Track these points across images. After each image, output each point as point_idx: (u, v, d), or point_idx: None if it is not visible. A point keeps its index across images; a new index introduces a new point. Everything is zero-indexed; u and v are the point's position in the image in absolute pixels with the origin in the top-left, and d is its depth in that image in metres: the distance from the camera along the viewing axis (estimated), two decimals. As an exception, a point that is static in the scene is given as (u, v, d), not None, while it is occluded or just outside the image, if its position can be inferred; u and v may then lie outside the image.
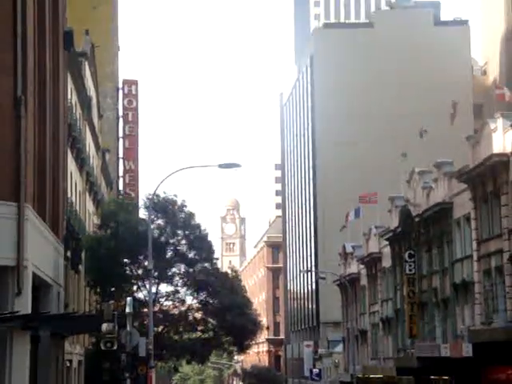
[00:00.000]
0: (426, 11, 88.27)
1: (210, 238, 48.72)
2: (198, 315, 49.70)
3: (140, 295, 47.31)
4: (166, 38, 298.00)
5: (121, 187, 70.17)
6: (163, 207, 47.17)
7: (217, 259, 49.91)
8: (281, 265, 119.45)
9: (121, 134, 69.51)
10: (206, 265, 47.89)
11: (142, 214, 49.00)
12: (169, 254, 47.26)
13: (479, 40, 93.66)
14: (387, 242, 53.01)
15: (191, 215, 47.85)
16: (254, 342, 57.66)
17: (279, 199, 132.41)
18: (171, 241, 47.31)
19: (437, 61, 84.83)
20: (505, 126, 35.44)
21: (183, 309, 48.99)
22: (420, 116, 78.91)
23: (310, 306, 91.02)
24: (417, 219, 46.11)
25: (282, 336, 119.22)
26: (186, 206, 47.95)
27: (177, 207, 47.74)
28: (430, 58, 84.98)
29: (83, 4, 59.92)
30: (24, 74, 22.53)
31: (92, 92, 50.13)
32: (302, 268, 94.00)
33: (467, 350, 36.18)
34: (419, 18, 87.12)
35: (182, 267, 47.76)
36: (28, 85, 23.04)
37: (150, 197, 44.79)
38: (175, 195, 47.92)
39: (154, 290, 43.31)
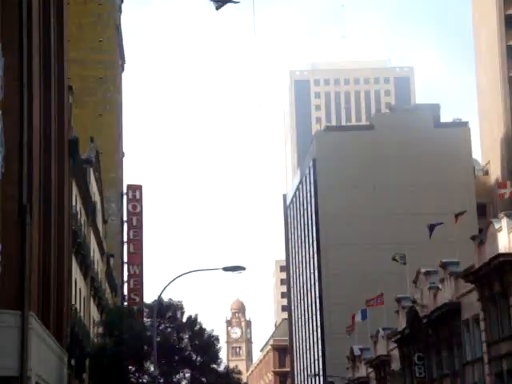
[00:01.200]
0: (425, 113, 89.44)
1: (216, 342, 48.16)
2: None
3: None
4: (170, 141, 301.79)
5: (125, 292, 69.74)
6: (168, 313, 46.73)
7: (225, 367, 49.22)
8: (288, 369, 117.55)
9: (125, 238, 69.54)
10: (213, 366, 47.24)
11: (147, 319, 48.51)
12: (175, 359, 46.60)
13: (479, 140, 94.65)
14: (395, 344, 52.27)
15: (197, 321, 47.39)
16: None
17: (285, 301, 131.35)
18: (177, 346, 46.73)
19: (438, 161, 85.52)
20: (509, 226, 35.42)
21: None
22: (423, 216, 78.89)
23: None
24: (425, 320, 45.58)
25: None
26: (186, 311, 47.55)
27: (182, 312, 47.32)
28: (431, 158, 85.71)
29: (89, 111, 60.93)
30: (30, 183, 22.70)
31: (97, 198, 50.42)
32: (309, 372, 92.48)
33: None
34: (419, 120, 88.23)
35: (189, 372, 47.03)
36: (33, 193, 23.18)
37: (155, 302, 44.41)
38: (179, 301, 47.57)
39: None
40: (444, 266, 43.90)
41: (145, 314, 49.36)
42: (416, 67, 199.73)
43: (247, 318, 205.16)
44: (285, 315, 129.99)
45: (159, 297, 41.01)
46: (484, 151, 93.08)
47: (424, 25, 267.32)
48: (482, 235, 38.83)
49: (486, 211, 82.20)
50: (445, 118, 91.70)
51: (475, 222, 78.23)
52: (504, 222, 35.88)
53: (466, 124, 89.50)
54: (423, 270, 47.21)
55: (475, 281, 38.64)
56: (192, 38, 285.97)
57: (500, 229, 36.09)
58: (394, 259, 51.21)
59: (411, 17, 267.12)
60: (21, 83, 22.63)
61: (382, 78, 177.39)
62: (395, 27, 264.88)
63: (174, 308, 47.28)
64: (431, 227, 48.20)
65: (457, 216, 43.65)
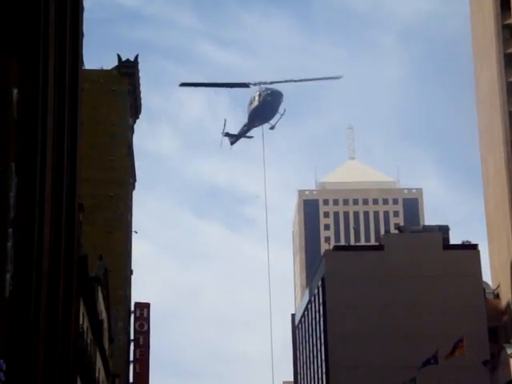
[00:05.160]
0: (434, 235, 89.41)
1: None
2: None
3: None
4: (178, 257, 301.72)
5: (131, 415, 68.22)
6: None
7: None
8: None
9: (131, 358, 68.56)
10: None
11: None
12: None
13: (489, 263, 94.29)
14: None
15: None
16: None
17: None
18: None
19: (448, 283, 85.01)
20: (522, 352, 34.89)
21: None
22: (433, 338, 77.93)
23: None
24: None
25: None
26: None
27: None
28: (440, 280, 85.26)
29: (98, 229, 61.15)
30: (37, 301, 22.63)
31: (104, 316, 50.05)
32: None
33: None
34: (428, 241, 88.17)
35: None
36: (41, 311, 23.10)
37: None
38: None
39: None
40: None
41: None
42: (424, 188, 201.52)
43: None
44: None
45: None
46: (494, 274, 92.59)
47: (432, 146, 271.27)
48: (494, 360, 38.21)
49: (497, 335, 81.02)
50: (454, 238, 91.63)
51: (486, 346, 77.00)
52: (516, 347, 35.38)
53: (475, 246, 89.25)
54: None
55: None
56: (195, 157, 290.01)
57: (512, 354, 35.55)
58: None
59: (419, 139, 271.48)
60: (33, 202, 22.87)
61: (390, 199, 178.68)
62: (403, 148, 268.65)
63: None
64: (425, 363, 47.98)
65: (458, 344, 43.28)
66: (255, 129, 78.37)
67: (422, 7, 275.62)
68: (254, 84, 74.48)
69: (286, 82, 76.39)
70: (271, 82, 74.93)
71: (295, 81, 78.53)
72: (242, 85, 75.28)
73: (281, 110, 76.13)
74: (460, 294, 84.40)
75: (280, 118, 76.54)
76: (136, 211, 78.46)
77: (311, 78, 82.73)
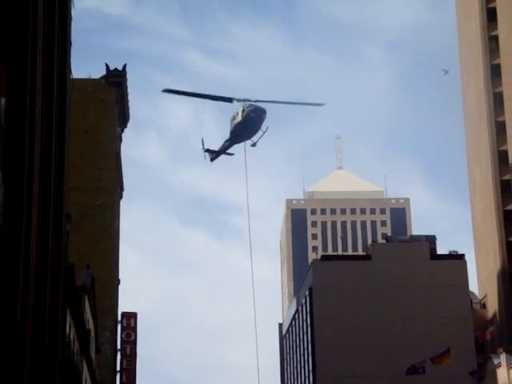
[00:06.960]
0: (421, 245, 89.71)
1: None
2: None
3: None
4: (165, 266, 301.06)
5: (117, 425, 67.93)
6: None
7: None
8: None
9: (118, 367, 68.31)
10: None
11: None
12: None
13: (476, 273, 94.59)
14: None
15: None
16: None
17: None
18: None
19: (434, 293, 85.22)
20: (508, 362, 34.97)
21: None
22: (420, 348, 78.05)
23: None
24: None
25: None
26: None
27: None
28: (427, 290, 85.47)
29: (86, 238, 61.00)
30: (23, 311, 22.51)
31: (91, 325, 49.85)
32: None
33: None
34: (415, 251, 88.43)
35: None
36: (27, 321, 22.98)
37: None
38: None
39: None
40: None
41: None
42: (412, 197, 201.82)
43: None
44: None
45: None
46: (481, 284, 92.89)
47: (420, 156, 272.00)
48: (481, 370, 38.31)
49: (484, 345, 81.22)
50: (441, 248, 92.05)
51: (473, 356, 77.14)
52: (503, 357, 35.47)
53: (462, 256, 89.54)
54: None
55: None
56: (180, 166, 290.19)
57: (499, 364, 35.64)
58: None
59: (406, 149, 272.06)
60: (20, 211, 22.76)
61: (378, 208, 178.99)
62: (391, 158, 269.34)
63: None
64: (409, 371, 48.06)
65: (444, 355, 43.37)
66: (236, 145, 77.98)
67: (409, 19, 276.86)
68: (238, 100, 74.24)
69: (271, 102, 76.47)
70: (256, 101, 74.77)
71: (280, 102, 78.73)
72: (225, 99, 75.05)
73: (263, 127, 75.86)
74: (447, 304, 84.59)
75: (262, 136, 76.26)
76: (123, 220, 78.27)
77: (296, 102, 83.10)
